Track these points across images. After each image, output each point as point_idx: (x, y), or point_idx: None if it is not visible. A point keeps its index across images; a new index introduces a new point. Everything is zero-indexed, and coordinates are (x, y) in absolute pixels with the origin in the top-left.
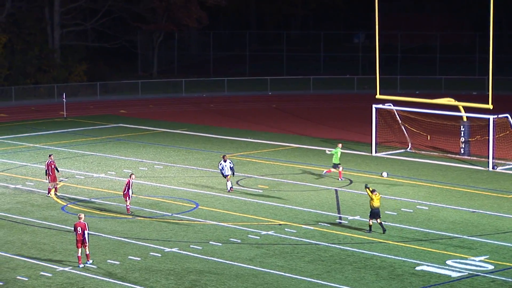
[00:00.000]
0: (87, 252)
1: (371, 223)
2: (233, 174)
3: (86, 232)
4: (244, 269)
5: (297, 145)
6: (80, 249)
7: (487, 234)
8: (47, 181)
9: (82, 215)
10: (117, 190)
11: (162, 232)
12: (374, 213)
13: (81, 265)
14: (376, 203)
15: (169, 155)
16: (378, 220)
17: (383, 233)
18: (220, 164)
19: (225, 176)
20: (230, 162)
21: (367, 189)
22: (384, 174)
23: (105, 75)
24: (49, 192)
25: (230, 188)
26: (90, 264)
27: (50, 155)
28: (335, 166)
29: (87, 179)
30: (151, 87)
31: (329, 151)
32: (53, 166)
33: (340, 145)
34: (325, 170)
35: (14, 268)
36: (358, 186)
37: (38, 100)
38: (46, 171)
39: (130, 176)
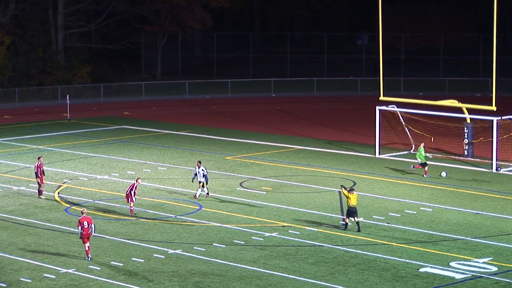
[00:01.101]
0: (88, 245)
1: (348, 221)
2: (206, 182)
3: (92, 225)
4: (248, 270)
5: (300, 146)
6: (86, 244)
7: (491, 236)
8: (37, 183)
9: (85, 209)
10: (120, 191)
11: (166, 234)
12: (351, 212)
13: (89, 258)
14: (353, 202)
15: (173, 157)
16: (356, 219)
17: (358, 231)
18: (195, 169)
19: (199, 183)
20: (203, 170)
21: (343, 189)
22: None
23: (109, 77)
24: (41, 194)
25: (196, 196)
26: (89, 260)
27: (39, 158)
28: (422, 165)
29: (91, 181)
30: (154, 89)
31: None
32: (42, 169)
33: (422, 144)
34: (412, 165)
35: (18, 270)
36: (362, 188)
37: (42, 102)
38: (35, 173)
39: (136, 180)
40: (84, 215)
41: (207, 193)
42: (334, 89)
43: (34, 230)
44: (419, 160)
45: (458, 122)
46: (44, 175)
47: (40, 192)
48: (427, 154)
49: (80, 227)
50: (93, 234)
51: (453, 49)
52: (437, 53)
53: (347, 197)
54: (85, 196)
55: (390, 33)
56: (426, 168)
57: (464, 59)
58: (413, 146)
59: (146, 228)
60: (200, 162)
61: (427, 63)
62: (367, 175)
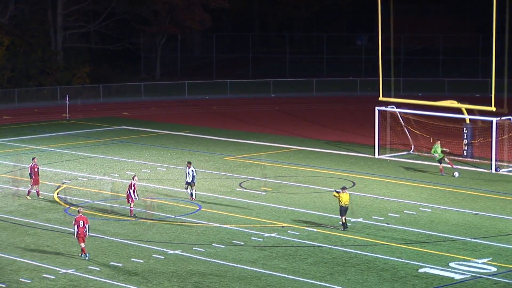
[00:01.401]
0: (84, 245)
1: (343, 220)
2: (194, 182)
3: (87, 225)
4: (247, 271)
5: (300, 147)
6: (82, 244)
7: (490, 236)
8: (30, 184)
9: (82, 209)
10: (120, 192)
11: (165, 234)
12: (342, 211)
13: (88, 256)
14: (344, 201)
15: (172, 157)
16: (344, 218)
17: (344, 229)
18: (185, 170)
19: (187, 184)
20: (193, 170)
21: (335, 192)
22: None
23: (108, 77)
24: (28, 194)
25: (191, 197)
26: (87, 259)
27: (33, 158)
28: (439, 161)
29: (90, 181)
30: (154, 89)
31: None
32: (36, 169)
33: (438, 142)
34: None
35: (17, 270)
36: (361, 189)
37: (41, 102)
38: (30, 174)
39: (132, 178)
40: (80, 214)
41: (191, 194)
42: (334, 89)
43: (33, 231)
44: (437, 156)
45: (457, 122)
46: (39, 175)
47: (28, 192)
48: (445, 149)
49: (76, 226)
50: (87, 234)
51: (452, 49)
52: (437, 54)
53: (339, 197)
54: (85, 196)
55: (390, 34)
56: (441, 166)
57: (464, 59)
58: (412, 146)
59: (145, 229)
60: (190, 162)
61: (426, 63)
62: (366, 176)
